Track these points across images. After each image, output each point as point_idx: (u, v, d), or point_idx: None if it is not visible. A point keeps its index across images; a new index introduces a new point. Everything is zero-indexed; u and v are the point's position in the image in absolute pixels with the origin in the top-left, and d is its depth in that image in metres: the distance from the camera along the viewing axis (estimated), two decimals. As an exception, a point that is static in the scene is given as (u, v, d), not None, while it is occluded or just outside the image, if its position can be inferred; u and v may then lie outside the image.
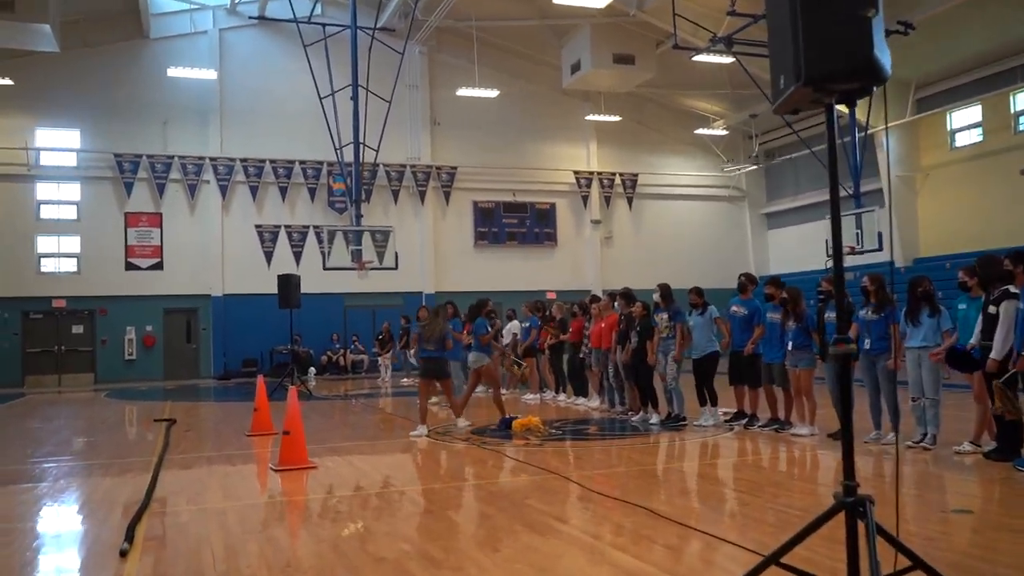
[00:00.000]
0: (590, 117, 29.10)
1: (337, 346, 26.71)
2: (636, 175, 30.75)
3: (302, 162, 26.78)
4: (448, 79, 27.96)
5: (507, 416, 11.06)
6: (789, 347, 9.66)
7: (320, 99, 21.53)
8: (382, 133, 22.42)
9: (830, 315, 9.43)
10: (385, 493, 7.07)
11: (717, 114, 30.57)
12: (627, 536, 5.29)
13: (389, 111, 22.29)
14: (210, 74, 24.96)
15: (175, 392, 20.84)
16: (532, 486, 7.09)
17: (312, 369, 24.98)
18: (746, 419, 10.63)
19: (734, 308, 10.71)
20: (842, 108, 4.12)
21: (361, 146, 22.10)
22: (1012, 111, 23.49)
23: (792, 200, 31.11)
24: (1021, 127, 23.40)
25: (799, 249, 30.02)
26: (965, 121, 24.95)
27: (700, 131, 30.31)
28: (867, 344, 8.85)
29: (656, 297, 11.36)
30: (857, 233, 22.06)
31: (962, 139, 25.14)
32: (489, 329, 11.76)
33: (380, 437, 10.98)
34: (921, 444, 8.25)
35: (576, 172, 30.05)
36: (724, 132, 30.67)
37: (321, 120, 21.46)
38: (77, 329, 24.95)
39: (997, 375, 7.34)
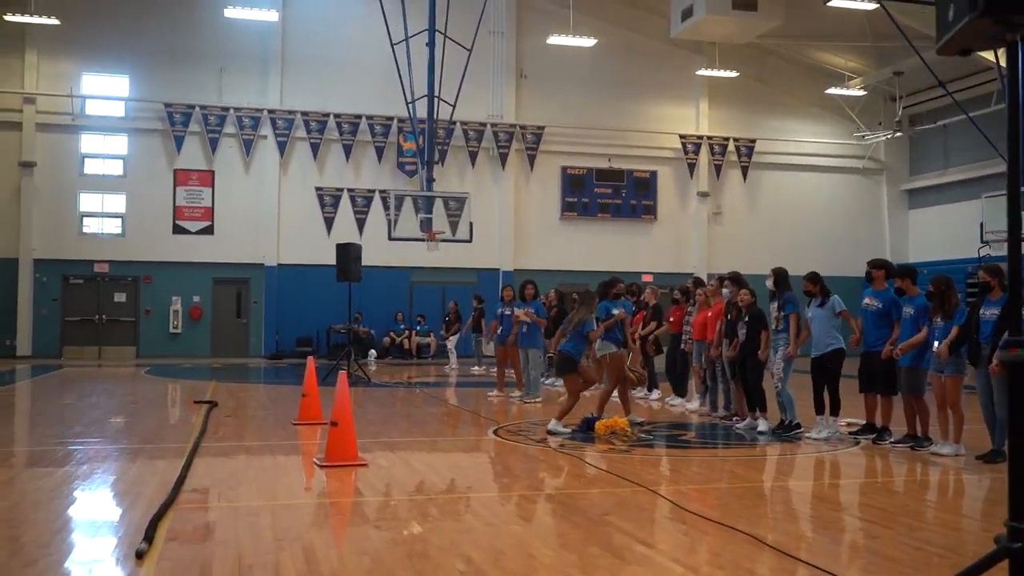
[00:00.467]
0: (702, 72, 28.38)
1: (402, 327, 26.87)
2: (753, 141, 29.90)
3: (369, 118, 26.92)
4: (538, 25, 27.64)
5: (591, 415, 10.79)
6: (935, 348, 9.10)
7: (392, 46, 21.54)
8: (460, 86, 22.33)
9: (986, 312, 8.88)
10: (443, 500, 6.90)
11: (854, 71, 29.41)
12: (727, 568, 4.98)
13: (469, 61, 22.18)
14: (271, 16, 25.21)
15: (221, 371, 21.28)
16: (614, 500, 6.83)
17: (373, 352, 25.27)
18: (875, 433, 10.11)
19: (866, 301, 10.15)
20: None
21: (436, 100, 22.04)
22: None
23: (940, 175, 29.81)
24: None
25: (945, 233, 28.81)
26: None
27: (832, 91, 29.23)
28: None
29: (769, 283, 10.89)
30: None
31: None
32: (614, 313, 11.35)
33: (443, 434, 10.87)
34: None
35: (683, 136, 29.41)
36: (861, 92, 29.51)
37: (392, 71, 21.50)
38: (119, 297, 25.74)
39: None
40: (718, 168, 29.72)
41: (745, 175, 29.99)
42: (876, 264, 10.30)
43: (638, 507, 6.57)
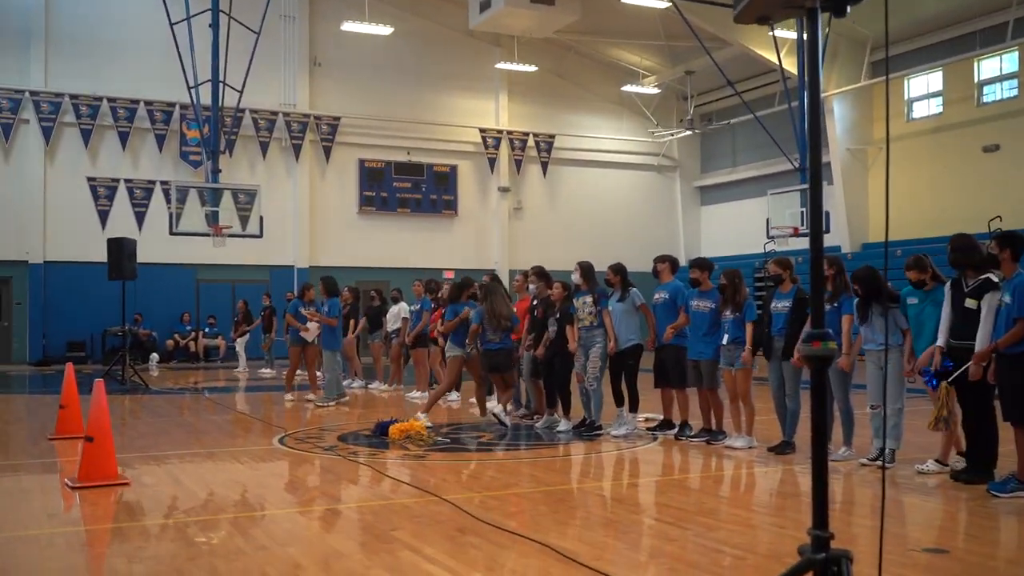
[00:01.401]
0: (501, 65, 28.38)
1: (188, 328, 25.37)
2: (553, 136, 30.24)
3: (148, 103, 25.22)
4: (332, 11, 26.78)
5: (385, 420, 10.32)
6: (724, 342, 9.22)
7: (171, 25, 20.20)
8: (247, 71, 21.27)
9: (778, 304, 9.07)
10: (209, 521, 6.23)
11: (648, 69, 30.31)
12: (520, 586, 4.63)
13: (257, 44, 21.18)
14: (32, -13, 23.12)
15: (-24, 381, 19.26)
16: (404, 512, 6.38)
17: (155, 355, 23.72)
18: (675, 428, 10.18)
19: (656, 296, 10.19)
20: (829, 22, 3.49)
21: (222, 85, 20.88)
22: (976, 80, 23.91)
23: (730, 173, 31.22)
24: (985, 98, 23.86)
25: (734, 229, 30.17)
26: (924, 90, 25.33)
27: (628, 88, 29.99)
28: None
29: (576, 278, 10.72)
30: (802, 212, 22.08)
31: (920, 109, 25.54)
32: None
33: (222, 444, 10.06)
34: (876, 462, 7.90)
35: (483, 130, 29.33)
36: (656, 90, 30.44)
37: (173, 52, 20.15)
38: None
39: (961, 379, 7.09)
40: (518, 163, 29.85)
41: (545, 170, 30.27)
42: (660, 259, 10.41)
43: (429, 519, 6.15)
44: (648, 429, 10.57)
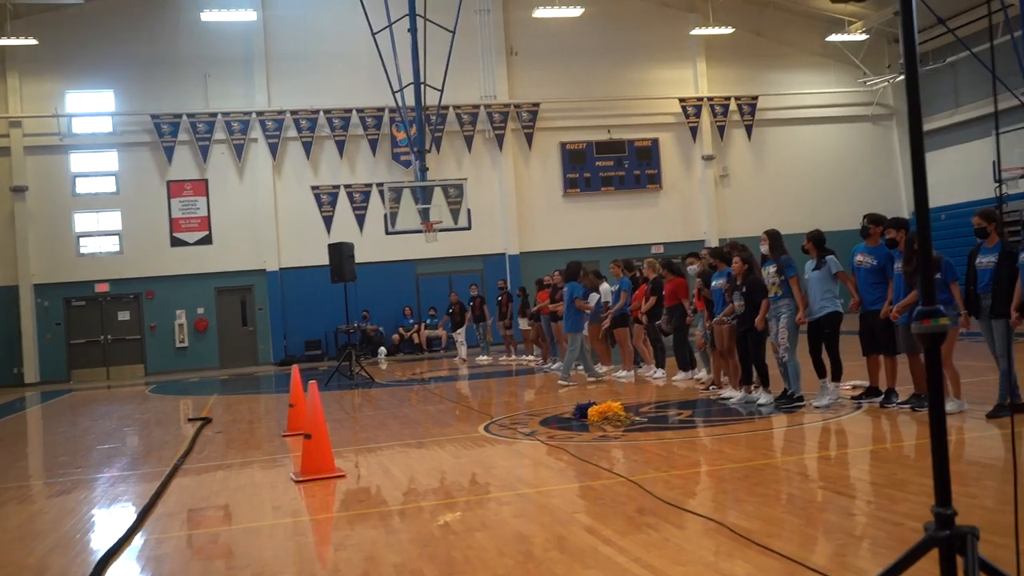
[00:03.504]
0: (696, 31, 27.95)
1: (411, 321, 26.75)
2: (756, 98, 29.42)
3: (360, 111, 26.74)
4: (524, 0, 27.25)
5: (584, 403, 10.61)
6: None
7: (373, 34, 21.39)
8: (446, 69, 22.20)
9: (983, 260, 8.61)
10: (407, 510, 6.73)
11: (853, 15, 28.81)
12: (690, 566, 4.77)
13: (453, 42, 22.04)
14: (250, 15, 25.07)
15: (229, 383, 21.26)
16: (591, 495, 6.63)
17: (383, 349, 25.18)
18: (881, 396, 9.85)
19: (859, 258, 9.84)
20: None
21: (423, 86, 21.86)
22: None
23: (951, 115, 29.17)
24: None
25: (964, 174, 28.18)
26: None
27: (833, 37, 28.68)
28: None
29: (763, 247, 10.58)
30: (1034, 151, 20.40)
31: None
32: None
33: (431, 434, 10.70)
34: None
35: (682, 100, 28.98)
36: (864, 37, 28.92)
37: (378, 60, 21.39)
38: (123, 315, 25.80)
39: None
40: (721, 129, 29.28)
41: (750, 134, 29.51)
42: (873, 219, 9.97)
43: (613, 501, 6.36)
44: (853, 398, 10.27)
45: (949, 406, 8.79)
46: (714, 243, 26.05)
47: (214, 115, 26.14)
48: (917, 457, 7.56)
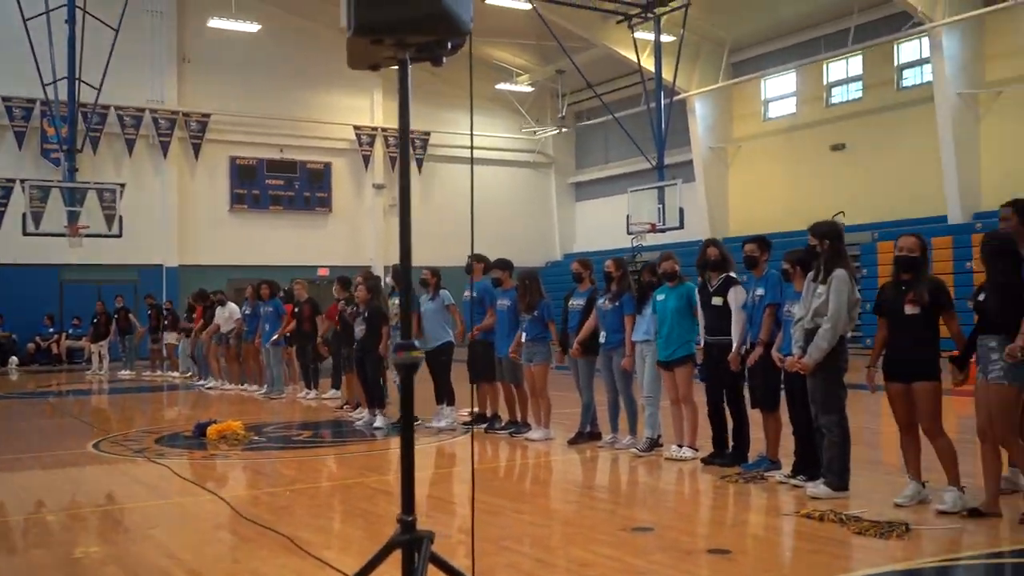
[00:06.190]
0: (374, 63, 28.52)
1: (51, 330, 24.95)
2: (428, 133, 30.52)
3: (7, 99, 24.65)
4: (201, 6, 26.53)
5: (204, 421, 10.56)
6: (523, 339, 9.72)
7: (24, 20, 20.03)
8: (107, 67, 21.20)
9: (576, 302, 9.62)
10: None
11: (521, 67, 30.87)
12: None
13: (117, 40, 21.09)
14: None
15: None
16: (174, 511, 6.69)
17: (14, 358, 23.34)
18: (487, 421, 10.67)
19: (465, 293, 10.73)
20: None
21: (78, 82, 20.72)
22: (825, 82, 25.09)
23: (602, 169, 32.02)
24: (833, 99, 25.06)
25: (609, 224, 30.91)
26: (780, 91, 26.44)
27: (502, 86, 30.50)
28: (603, 337, 9.04)
29: (389, 279, 11.25)
30: (659, 208, 22.89)
31: (776, 110, 26.65)
32: None
33: (33, 449, 10.14)
34: (648, 452, 8.52)
35: (357, 127, 29.49)
36: (529, 88, 31.04)
37: (29, 48, 20.07)
38: None
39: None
40: (393, 160, 30.09)
41: (420, 167, 30.53)
42: (475, 257, 10.90)
43: (194, 517, 6.46)
44: (463, 423, 11.02)
45: (538, 434, 9.74)
46: (379, 270, 26.69)
47: None
48: (505, 477, 8.33)
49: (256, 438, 10.30)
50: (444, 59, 3.57)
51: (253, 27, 25.17)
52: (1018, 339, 5.72)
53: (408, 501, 3.46)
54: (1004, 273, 5.95)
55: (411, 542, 3.43)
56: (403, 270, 3.51)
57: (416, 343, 3.42)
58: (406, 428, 3.51)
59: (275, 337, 14.67)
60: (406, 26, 3.42)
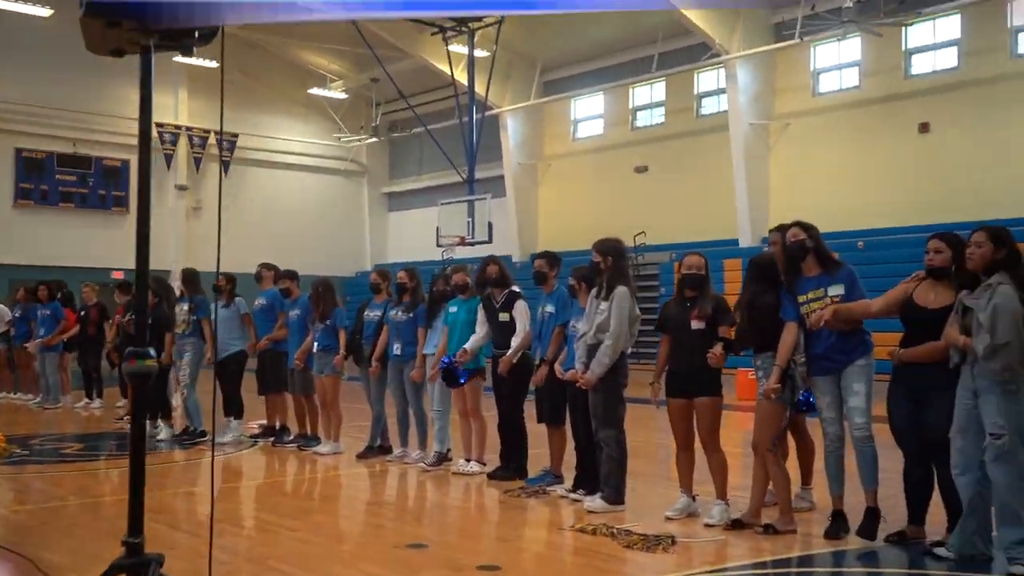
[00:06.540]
0: (179, 59, 27.32)
1: None
2: (236, 135, 29.46)
3: None
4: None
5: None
6: (315, 348, 9.45)
7: None
8: None
9: (371, 313, 9.43)
10: None
11: (336, 73, 30.36)
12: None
13: None
14: None
15: None
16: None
17: None
18: (275, 434, 10.31)
19: (257, 301, 10.38)
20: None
21: None
22: (631, 105, 25.96)
23: (416, 180, 31.89)
24: (638, 123, 25.96)
25: (422, 236, 30.79)
26: (589, 112, 27.15)
27: (315, 91, 29.91)
28: (397, 349, 8.89)
29: (179, 284, 10.71)
30: (469, 222, 22.93)
31: (585, 130, 27.35)
32: None
33: None
34: (436, 467, 8.45)
35: (159, 125, 28.07)
36: (343, 95, 30.57)
37: None
38: None
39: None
40: (198, 161, 28.92)
41: (227, 170, 29.44)
42: (265, 266, 10.66)
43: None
44: (251, 436, 10.59)
45: (327, 447, 9.47)
46: (176, 274, 25.47)
47: None
48: (290, 493, 8.02)
49: (19, 451, 9.52)
50: (195, 49, 3.31)
51: (44, 11, 23.56)
52: (772, 376, 6.03)
53: (136, 522, 3.19)
54: (757, 295, 6.32)
55: (136, 566, 3.16)
56: (137, 275, 3.24)
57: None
58: (136, 440, 3.24)
59: (41, 341, 13.75)
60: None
